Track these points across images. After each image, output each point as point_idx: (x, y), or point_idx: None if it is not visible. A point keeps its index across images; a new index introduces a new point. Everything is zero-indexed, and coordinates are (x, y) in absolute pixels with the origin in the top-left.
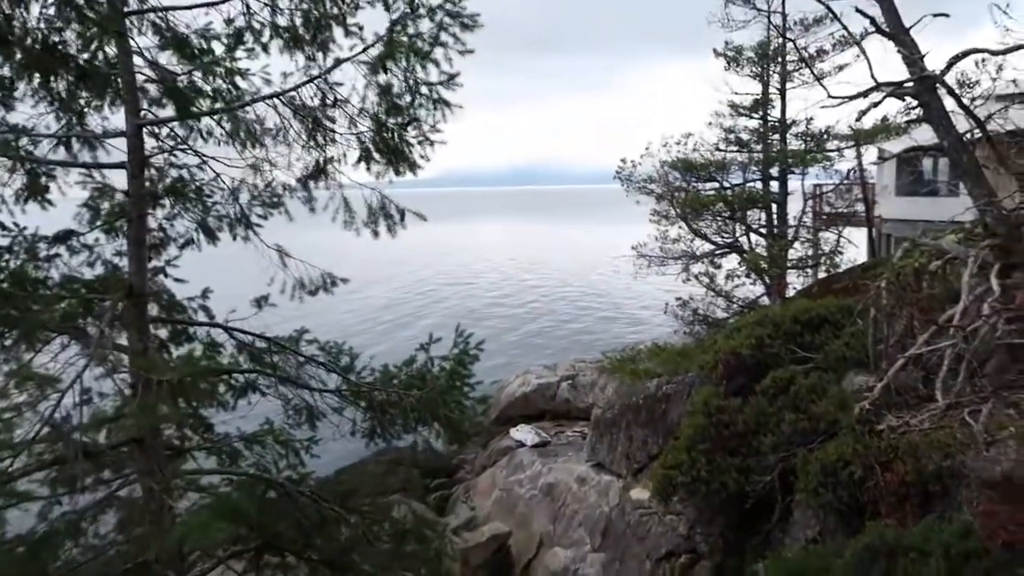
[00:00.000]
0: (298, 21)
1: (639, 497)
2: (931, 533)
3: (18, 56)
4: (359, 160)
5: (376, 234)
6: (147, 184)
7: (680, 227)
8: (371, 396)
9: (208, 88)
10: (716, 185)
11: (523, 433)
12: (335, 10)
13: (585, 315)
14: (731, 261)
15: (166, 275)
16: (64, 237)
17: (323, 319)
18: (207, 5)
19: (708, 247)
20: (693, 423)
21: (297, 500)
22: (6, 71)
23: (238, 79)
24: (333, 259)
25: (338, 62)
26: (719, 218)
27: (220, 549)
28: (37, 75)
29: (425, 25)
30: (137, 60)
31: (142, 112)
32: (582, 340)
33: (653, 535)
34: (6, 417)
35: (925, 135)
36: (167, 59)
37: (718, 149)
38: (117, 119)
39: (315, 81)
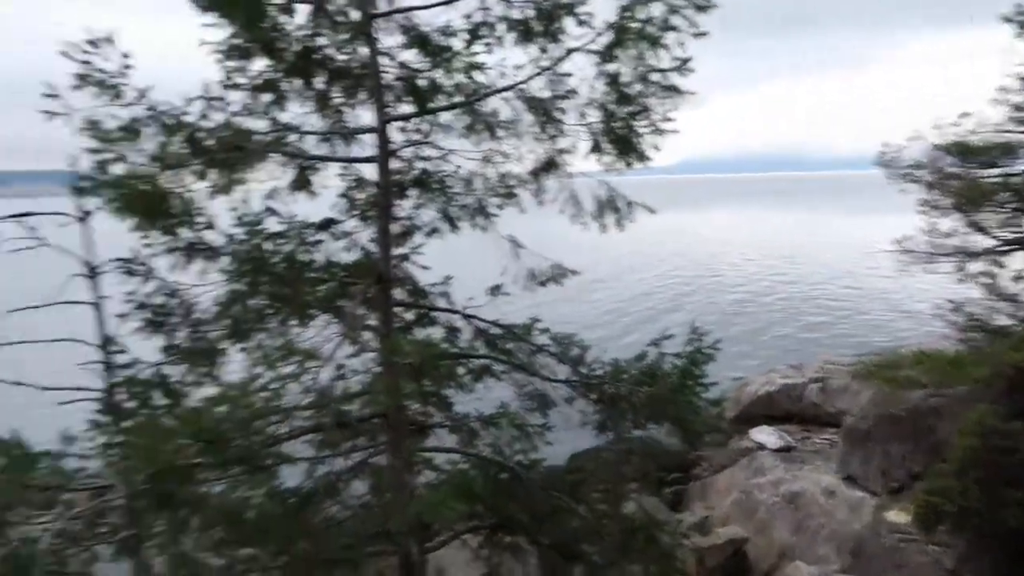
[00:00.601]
0: (531, 13)
1: (896, 520)
2: None
3: (285, 62)
4: (588, 152)
5: (604, 227)
6: (395, 176)
7: (954, 219)
8: (601, 389)
9: (448, 83)
10: (1000, 171)
11: (765, 435)
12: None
13: (839, 313)
14: (1018, 260)
15: (412, 262)
16: (326, 225)
17: (564, 309)
18: (446, 3)
19: (989, 243)
20: (965, 445)
21: (528, 485)
22: (277, 76)
23: (475, 73)
24: (579, 251)
25: (568, 52)
26: (1004, 209)
27: (458, 524)
28: (300, 79)
29: (658, 9)
30: (384, 60)
31: (388, 108)
32: (835, 340)
33: (913, 565)
34: (274, 387)
35: None
36: (411, 57)
37: (1004, 130)
38: (368, 115)
39: (546, 72)
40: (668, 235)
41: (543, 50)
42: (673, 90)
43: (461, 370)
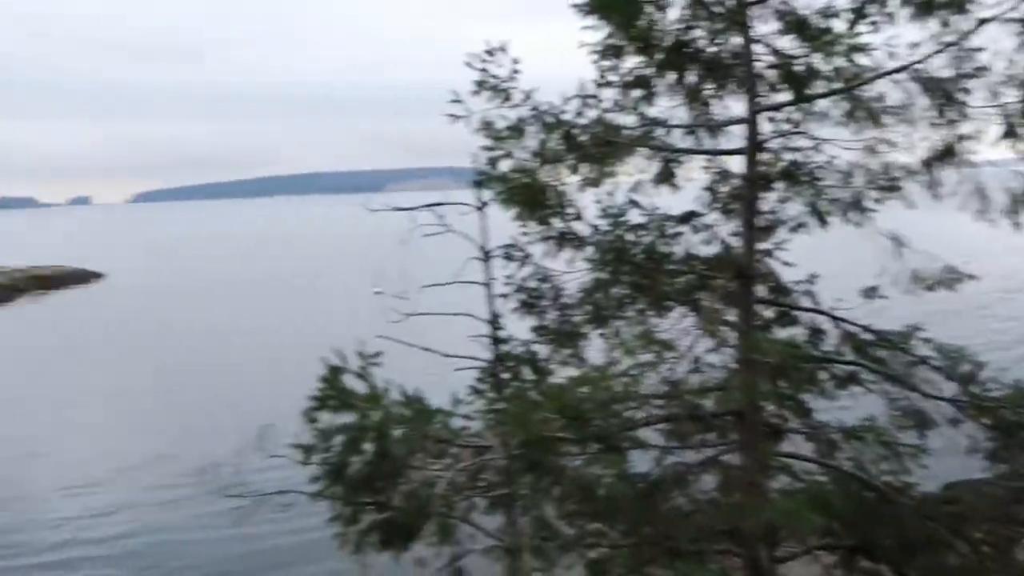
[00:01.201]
0: None
1: None
2: None
3: (657, 57)
4: (1000, 137)
5: (1019, 226)
6: (761, 168)
7: None
8: (997, 413)
9: (826, 69)
10: None
11: None
12: None
13: None
14: None
15: (775, 257)
16: (687, 218)
17: (956, 321)
18: None
19: None
20: None
21: (899, 510)
22: (648, 72)
23: (858, 56)
24: (985, 254)
25: (979, 23)
26: None
27: (811, 537)
28: (672, 73)
29: None
30: (757, 48)
31: (759, 98)
32: None
33: None
34: (634, 373)
35: None
36: (786, 43)
37: None
38: (737, 106)
39: (949, 49)
40: None
41: (945, 24)
42: None
43: (823, 375)
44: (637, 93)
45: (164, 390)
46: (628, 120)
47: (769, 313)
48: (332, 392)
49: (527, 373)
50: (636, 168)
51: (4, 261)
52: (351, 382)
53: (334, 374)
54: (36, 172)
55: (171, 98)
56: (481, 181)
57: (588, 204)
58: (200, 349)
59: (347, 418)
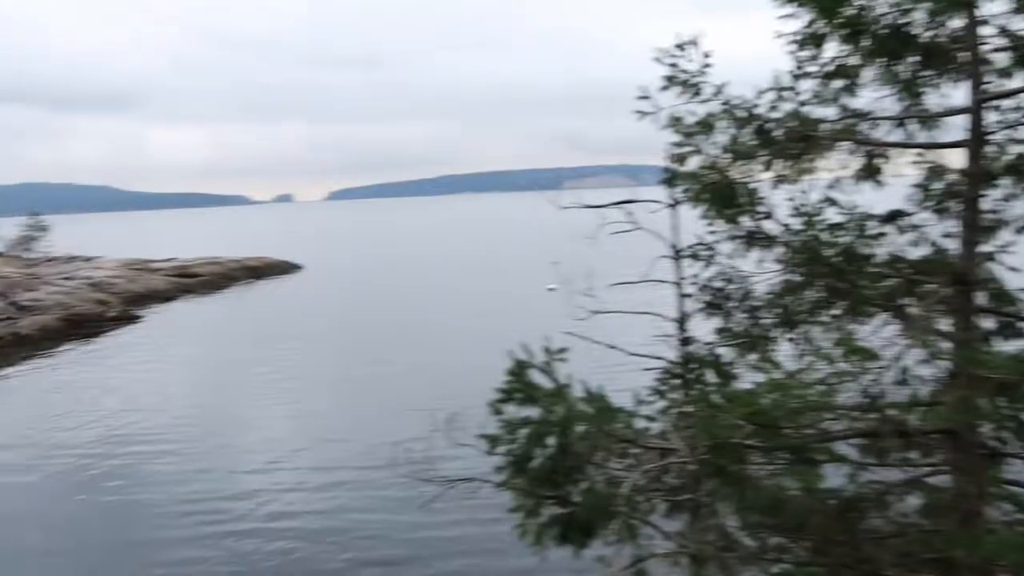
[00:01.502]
0: None
1: None
2: None
3: (864, 44)
4: None
5: None
6: (984, 162)
7: None
8: None
9: None
10: None
11: None
12: None
13: None
14: None
15: (997, 262)
16: (892, 217)
17: None
18: None
19: None
20: None
21: None
22: (853, 60)
23: None
24: None
25: None
26: None
27: None
28: (882, 60)
29: None
30: (984, 30)
31: (984, 85)
32: None
33: None
34: (832, 381)
35: None
36: (1020, 23)
37: None
38: (955, 95)
39: None
40: None
41: None
42: None
43: None
44: (838, 83)
45: (348, 377)
46: (828, 113)
47: (989, 323)
48: (518, 385)
49: (710, 376)
50: (836, 164)
51: (222, 253)
52: (537, 376)
53: (520, 368)
54: (248, 172)
55: (364, 101)
56: (669, 178)
57: (780, 202)
58: (382, 340)
59: (532, 412)
